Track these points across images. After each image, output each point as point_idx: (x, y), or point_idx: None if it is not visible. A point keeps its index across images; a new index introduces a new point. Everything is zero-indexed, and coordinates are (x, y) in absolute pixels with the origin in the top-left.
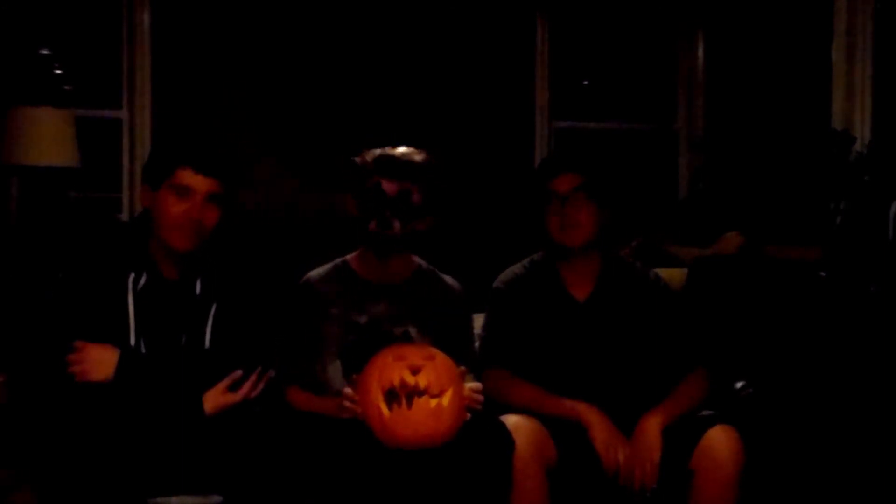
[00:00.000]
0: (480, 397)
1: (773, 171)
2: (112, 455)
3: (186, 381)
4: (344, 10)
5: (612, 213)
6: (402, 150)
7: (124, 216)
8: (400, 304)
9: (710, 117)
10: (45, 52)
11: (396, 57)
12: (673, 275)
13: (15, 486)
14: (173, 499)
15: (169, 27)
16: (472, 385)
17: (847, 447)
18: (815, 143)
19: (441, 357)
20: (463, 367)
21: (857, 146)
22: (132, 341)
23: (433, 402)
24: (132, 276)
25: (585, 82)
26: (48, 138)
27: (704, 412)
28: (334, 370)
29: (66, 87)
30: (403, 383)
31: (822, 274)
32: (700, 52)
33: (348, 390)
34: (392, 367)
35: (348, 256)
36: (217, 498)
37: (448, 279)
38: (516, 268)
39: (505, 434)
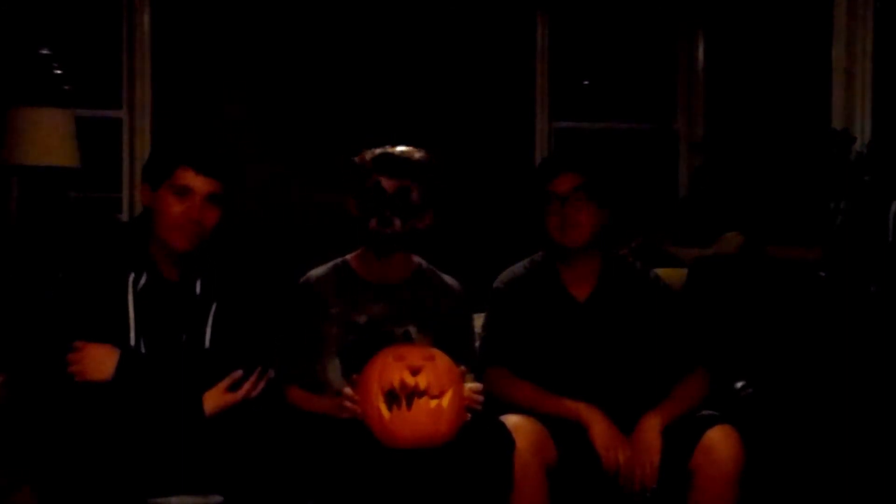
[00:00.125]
0: (480, 398)
1: (773, 171)
2: (112, 455)
3: (186, 381)
4: (344, 9)
5: (612, 214)
6: (401, 148)
7: (124, 216)
8: (399, 304)
9: (710, 117)
10: (45, 52)
11: (396, 57)
12: (673, 275)
13: (15, 486)
14: (173, 499)
15: (169, 27)
16: (472, 385)
17: (847, 447)
18: (815, 143)
19: (441, 357)
20: (463, 368)
21: (857, 146)
22: (132, 341)
23: (433, 402)
24: (132, 276)
25: (585, 82)
26: (48, 138)
27: (704, 412)
28: (334, 370)
29: (66, 87)
30: (403, 384)
31: (822, 274)
32: (700, 53)
33: (348, 390)
34: (392, 368)
35: (348, 256)
36: (217, 498)
37: (448, 279)
38: (516, 268)
39: (505, 434)
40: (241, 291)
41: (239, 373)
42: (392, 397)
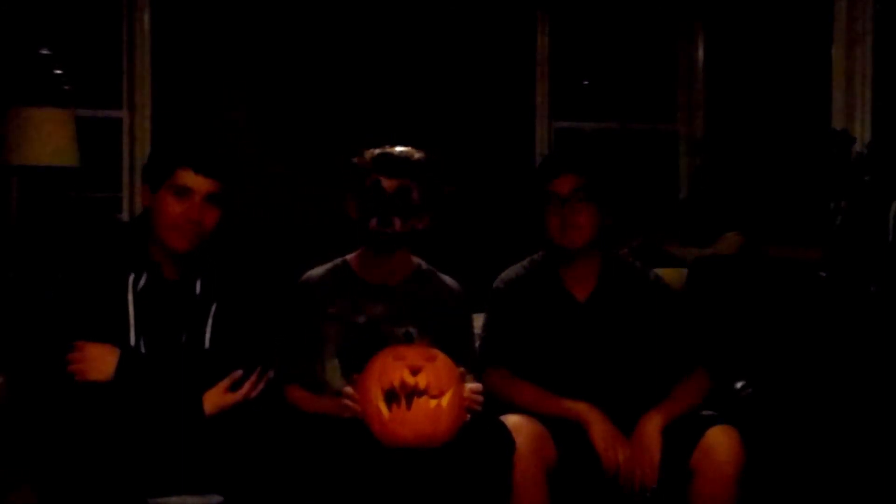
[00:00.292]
0: (480, 398)
1: (772, 171)
2: (112, 455)
3: (186, 381)
4: (343, 9)
5: (612, 214)
6: (400, 148)
7: (124, 216)
8: (399, 304)
9: (710, 117)
10: (45, 52)
11: (396, 57)
12: (673, 275)
13: (14, 485)
14: (173, 499)
15: (169, 27)
16: (471, 386)
17: (847, 447)
18: (815, 143)
19: (442, 358)
20: (462, 368)
21: (857, 146)
22: (132, 341)
23: (433, 402)
24: (132, 276)
25: (585, 82)
26: (48, 138)
27: (704, 412)
28: (333, 370)
29: (66, 87)
30: (403, 383)
31: (822, 274)
32: (700, 53)
33: (349, 389)
34: (392, 367)
35: (348, 257)
36: (217, 498)
37: (448, 279)
38: (516, 268)
39: (505, 434)
40: (240, 291)
41: (239, 373)
42: (392, 397)
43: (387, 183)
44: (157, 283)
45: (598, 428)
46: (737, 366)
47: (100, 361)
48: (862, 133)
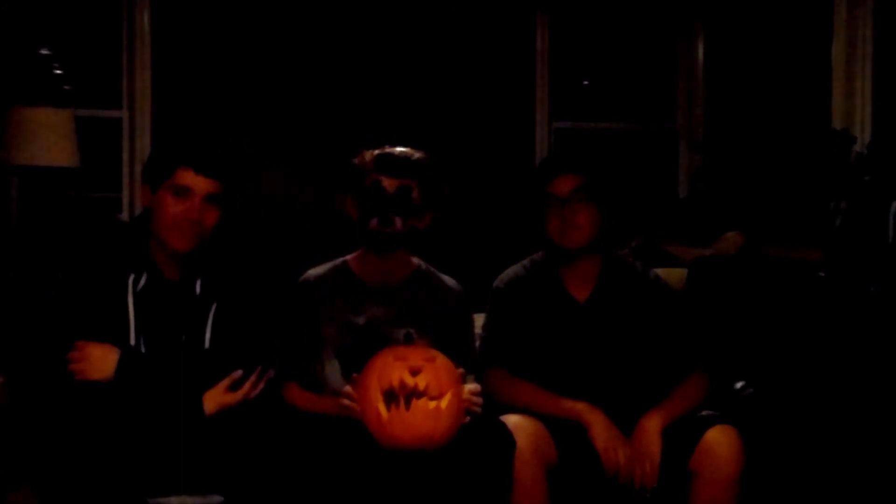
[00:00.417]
0: (479, 400)
1: (773, 171)
2: (112, 455)
3: (186, 381)
4: (343, 9)
5: (612, 214)
6: (400, 148)
7: (124, 216)
8: (399, 305)
9: (710, 117)
10: (45, 52)
11: (396, 57)
12: (673, 275)
13: (14, 485)
14: (173, 499)
15: (169, 27)
16: (471, 387)
17: (847, 447)
18: (815, 143)
19: (442, 359)
20: (462, 369)
21: (857, 146)
22: (132, 341)
23: (432, 404)
24: (132, 276)
25: (585, 82)
26: (48, 138)
27: (704, 412)
28: (332, 370)
29: (66, 87)
30: (403, 384)
31: (822, 274)
32: (700, 52)
33: (349, 388)
34: (392, 368)
35: (348, 257)
36: (217, 498)
37: (448, 279)
38: (516, 268)
39: (506, 434)
40: (240, 291)
41: (239, 373)
42: (391, 397)
43: (387, 183)
44: (157, 283)
45: (599, 428)
46: (737, 366)
47: (100, 361)
48: (862, 133)
